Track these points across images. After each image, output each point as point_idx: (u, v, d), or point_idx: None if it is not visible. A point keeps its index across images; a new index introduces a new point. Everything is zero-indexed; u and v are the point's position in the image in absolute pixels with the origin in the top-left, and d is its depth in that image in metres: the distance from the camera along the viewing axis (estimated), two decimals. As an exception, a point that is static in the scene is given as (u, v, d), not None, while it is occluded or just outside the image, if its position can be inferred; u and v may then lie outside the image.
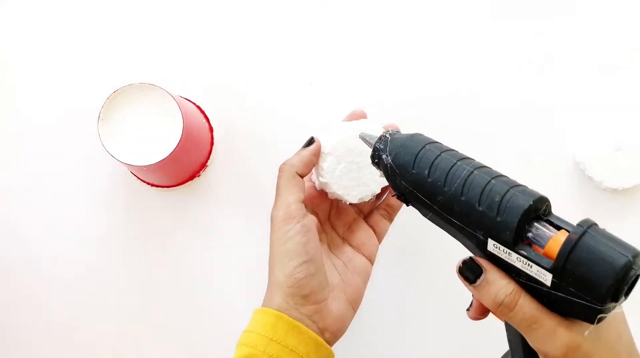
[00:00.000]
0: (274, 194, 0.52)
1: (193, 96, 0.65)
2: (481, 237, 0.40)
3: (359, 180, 0.54)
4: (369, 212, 0.58)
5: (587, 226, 0.36)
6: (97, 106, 0.56)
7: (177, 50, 0.66)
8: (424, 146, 0.43)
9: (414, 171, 0.43)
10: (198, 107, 0.65)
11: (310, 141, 0.53)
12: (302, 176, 0.52)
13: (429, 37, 0.66)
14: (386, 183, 0.53)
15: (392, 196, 0.46)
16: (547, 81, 0.65)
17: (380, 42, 0.66)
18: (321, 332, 0.50)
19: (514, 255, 0.38)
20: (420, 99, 0.65)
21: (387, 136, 0.46)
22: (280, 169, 0.52)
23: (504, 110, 0.65)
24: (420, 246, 0.64)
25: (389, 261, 0.63)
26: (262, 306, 0.50)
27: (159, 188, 0.65)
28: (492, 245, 0.40)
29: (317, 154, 0.53)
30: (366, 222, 0.57)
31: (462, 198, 0.40)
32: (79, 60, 0.66)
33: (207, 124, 0.65)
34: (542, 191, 0.39)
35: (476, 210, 0.39)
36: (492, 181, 0.39)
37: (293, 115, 0.65)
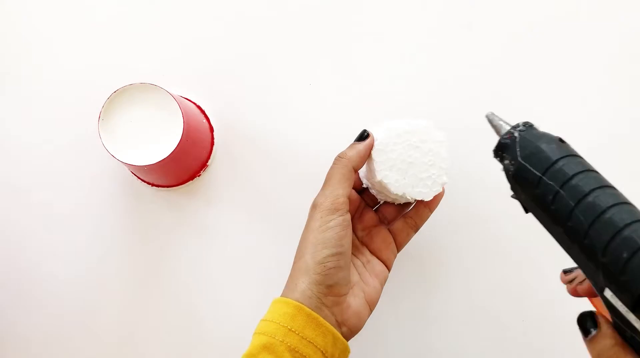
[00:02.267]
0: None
1: (193, 96, 0.65)
2: (600, 281, 0.35)
3: (414, 177, 0.53)
4: (394, 218, 0.57)
5: None
6: (97, 106, 0.56)
7: (177, 50, 0.66)
8: (556, 162, 0.36)
9: (537, 191, 0.37)
10: (198, 107, 0.65)
11: (364, 134, 0.53)
12: (355, 171, 0.52)
13: (426, 36, 0.66)
14: (442, 184, 0.53)
15: (511, 196, 0.41)
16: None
17: (379, 43, 0.66)
18: (339, 325, 0.50)
19: (632, 316, 0.34)
20: (421, 97, 0.65)
21: (516, 134, 0.39)
22: (337, 161, 0.52)
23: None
24: (436, 249, 0.64)
25: (406, 261, 0.63)
26: (284, 290, 0.50)
27: (159, 188, 0.65)
28: (610, 294, 0.35)
29: (371, 149, 0.53)
30: (389, 229, 0.57)
31: (585, 241, 0.34)
32: (79, 60, 0.67)
33: (207, 124, 0.65)
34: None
35: (598, 260, 0.34)
36: (626, 230, 0.33)
37: (293, 115, 0.65)
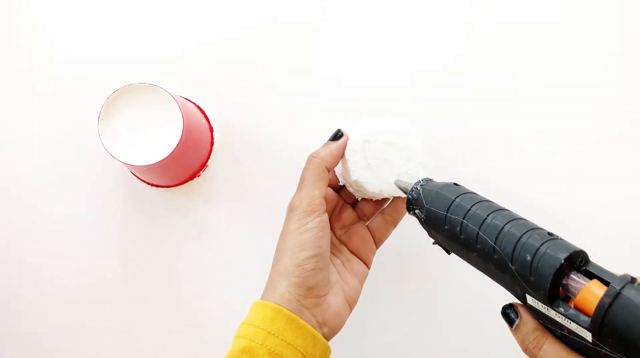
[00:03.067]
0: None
1: (193, 96, 0.65)
2: (519, 291, 0.40)
3: (390, 174, 0.53)
4: (372, 214, 0.57)
5: (622, 286, 0.34)
6: (97, 106, 0.56)
7: (177, 50, 0.66)
8: (454, 200, 0.43)
9: (446, 228, 0.43)
10: (198, 107, 0.65)
11: (338, 134, 0.53)
12: (329, 170, 0.52)
13: (403, 36, 0.66)
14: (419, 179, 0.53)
15: (432, 243, 0.47)
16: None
17: (380, 44, 0.66)
18: (319, 326, 0.50)
19: (552, 311, 0.38)
20: (423, 96, 0.65)
21: (419, 188, 0.47)
22: (310, 161, 0.52)
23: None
24: (416, 247, 0.64)
25: (385, 261, 0.63)
26: (263, 293, 0.50)
27: (159, 188, 0.65)
28: (530, 300, 0.39)
29: (344, 148, 0.53)
30: (368, 226, 0.57)
31: (495, 256, 0.40)
32: (79, 60, 0.66)
33: (207, 124, 0.65)
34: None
35: (510, 268, 0.39)
36: (523, 237, 0.39)
37: (293, 115, 0.66)
